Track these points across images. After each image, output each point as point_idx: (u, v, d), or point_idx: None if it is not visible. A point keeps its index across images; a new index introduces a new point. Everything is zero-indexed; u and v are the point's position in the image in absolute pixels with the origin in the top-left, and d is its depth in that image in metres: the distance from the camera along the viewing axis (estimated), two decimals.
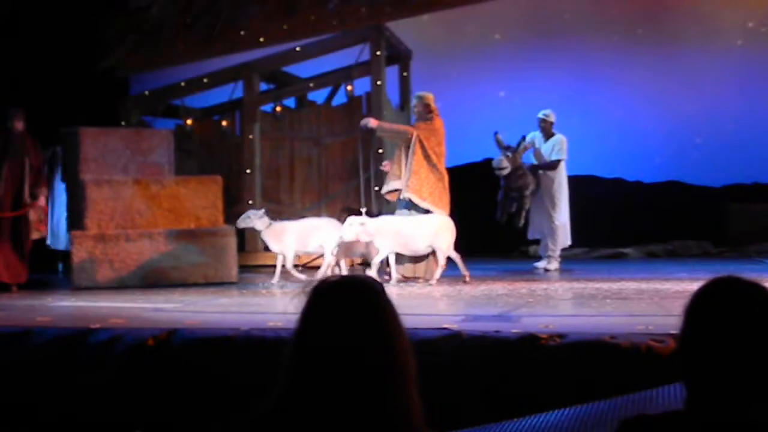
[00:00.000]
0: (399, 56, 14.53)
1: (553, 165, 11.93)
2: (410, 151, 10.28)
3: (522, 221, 11.91)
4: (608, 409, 4.29)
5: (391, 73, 14.26)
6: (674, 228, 14.40)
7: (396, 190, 10.42)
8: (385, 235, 9.86)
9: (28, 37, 12.58)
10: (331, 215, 11.73)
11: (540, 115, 12.11)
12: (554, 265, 11.95)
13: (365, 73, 13.69)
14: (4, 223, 10.26)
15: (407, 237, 9.96)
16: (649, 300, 8.06)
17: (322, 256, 10.50)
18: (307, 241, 10.38)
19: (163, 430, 5.81)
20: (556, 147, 11.97)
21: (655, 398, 4.24)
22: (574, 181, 14.05)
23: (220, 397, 5.76)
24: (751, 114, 14.76)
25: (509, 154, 11.56)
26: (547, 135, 12.06)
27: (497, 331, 5.90)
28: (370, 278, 2.35)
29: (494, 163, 11.64)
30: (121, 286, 10.15)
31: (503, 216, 11.86)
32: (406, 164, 10.28)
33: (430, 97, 10.72)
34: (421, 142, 10.24)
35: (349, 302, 2.24)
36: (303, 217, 11.58)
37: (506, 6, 14.44)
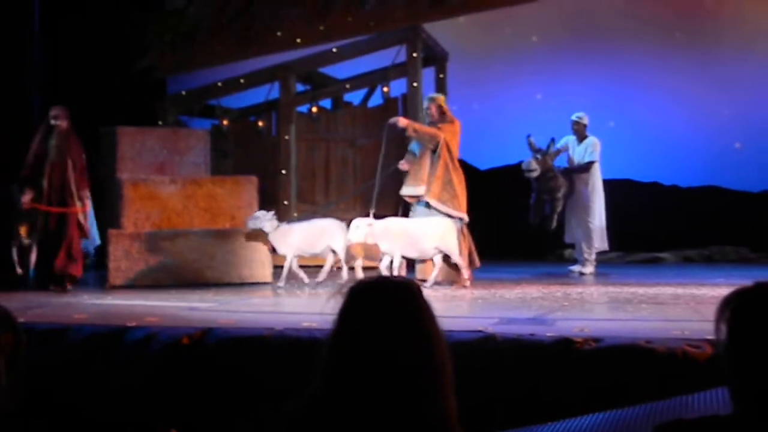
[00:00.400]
0: (435, 58, 14.51)
1: (586, 167, 11.88)
2: (436, 154, 10.16)
3: (554, 224, 11.86)
4: (643, 415, 4.26)
5: (428, 74, 14.25)
6: (711, 233, 14.28)
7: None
8: (392, 237, 9.73)
9: (67, 38, 12.68)
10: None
11: (573, 117, 12.06)
12: (589, 269, 11.89)
13: (401, 74, 13.69)
14: (51, 220, 10.08)
15: (414, 239, 9.83)
16: (686, 305, 8.01)
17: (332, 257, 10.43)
18: (315, 242, 10.27)
19: (198, 429, 5.83)
20: (589, 149, 11.92)
21: (692, 404, 4.20)
22: (610, 185, 13.96)
23: (253, 396, 5.77)
24: None
25: (539, 156, 11.54)
26: (581, 137, 12.01)
27: (532, 335, 5.88)
28: (408, 279, 2.34)
29: (523, 165, 11.62)
30: (156, 284, 10.19)
31: (536, 219, 11.83)
32: (430, 168, 10.17)
33: (442, 98, 10.69)
34: (447, 146, 10.18)
35: (386, 303, 2.23)
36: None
37: (544, 8, 14.38)
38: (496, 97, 14.88)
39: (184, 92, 14.61)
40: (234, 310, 8.10)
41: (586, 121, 12.02)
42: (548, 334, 5.89)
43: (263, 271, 10.63)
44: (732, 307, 2.19)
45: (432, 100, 10.53)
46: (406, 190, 10.42)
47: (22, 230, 10.02)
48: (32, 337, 6.45)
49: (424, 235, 9.84)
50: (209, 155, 11.78)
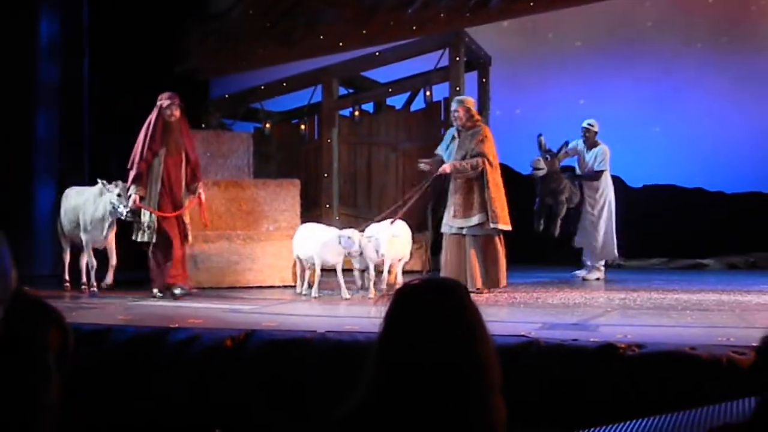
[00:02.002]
0: (478, 62, 14.49)
1: (596, 176, 11.87)
2: (484, 179, 9.79)
3: (558, 230, 11.84)
4: (688, 421, 4.23)
5: (470, 79, 14.22)
6: (756, 239, 14.14)
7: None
8: (386, 244, 9.38)
9: (111, 42, 12.78)
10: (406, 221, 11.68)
11: (584, 124, 12.01)
12: (594, 275, 11.87)
13: (444, 78, 13.68)
14: (171, 224, 9.47)
15: (403, 244, 9.73)
16: (730, 312, 7.95)
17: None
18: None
19: (241, 430, 5.86)
20: (599, 158, 11.89)
21: (736, 411, 4.17)
22: (654, 191, 13.93)
23: (296, 399, 5.79)
24: None
25: (548, 157, 11.57)
26: (591, 145, 11.96)
27: (575, 340, 5.86)
28: (455, 281, 2.35)
29: (532, 162, 11.64)
30: (199, 286, 10.24)
31: (539, 225, 11.80)
32: (480, 193, 9.79)
33: (471, 101, 10.28)
34: (489, 164, 9.82)
35: (434, 305, 2.23)
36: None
37: (587, 13, 14.33)
38: (539, 102, 14.83)
39: (227, 95, 14.68)
40: (276, 312, 8.14)
41: (597, 128, 11.98)
42: (592, 340, 5.87)
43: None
44: None
45: (461, 102, 10.08)
46: (456, 223, 9.89)
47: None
48: (76, 338, 6.51)
49: (406, 240, 9.82)
50: (252, 158, 11.84)
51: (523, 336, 5.99)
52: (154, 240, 9.44)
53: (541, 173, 11.61)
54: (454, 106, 10.09)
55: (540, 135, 11.70)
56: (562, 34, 15.07)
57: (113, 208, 9.37)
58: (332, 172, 13.83)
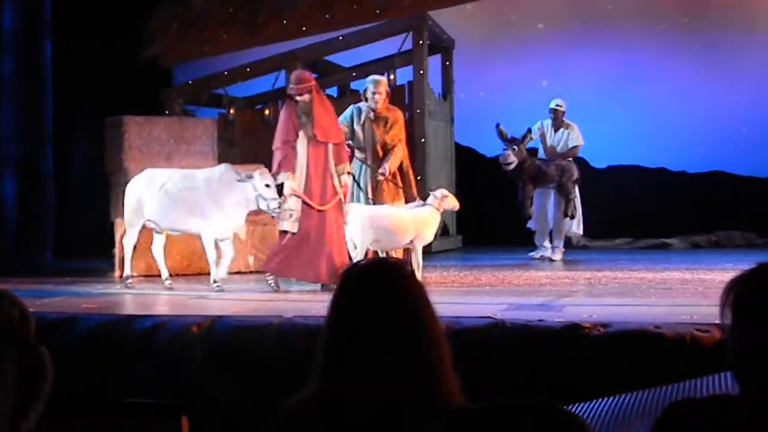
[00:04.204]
0: (441, 46, 14.50)
1: (575, 152, 11.92)
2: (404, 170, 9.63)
3: (574, 210, 11.83)
4: (652, 399, 4.27)
5: (434, 62, 14.24)
6: (718, 218, 14.27)
7: None
8: (360, 226, 8.84)
9: (73, 28, 12.67)
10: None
11: (552, 105, 12.03)
12: (559, 255, 11.90)
13: (407, 62, 13.68)
14: (320, 217, 8.69)
15: (390, 229, 8.95)
16: (694, 290, 8.04)
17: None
18: None
19: (207, 417, 5.85)
20: (572, 135, 11.92)
21: (700, 388, 4.21)
22: (617, 171, 14.00)
23: (263, 384, 5.79)
24: None
25: (515, 147, 11.49)
26: (558, 125, 11.99)
27: (541, 321, 5.90)
28: (400, 261, 2.37)
29: (501, 158, 11.54)
30: None
31: (527, 213, 11.74)
32: (405, 179, 9.58)
33: (385, 81, 9.86)
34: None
35: (378, 284, 2.25)
36: None
37: None
38: (502, 84, 14.86)
39: (190, 81, 14.60)
40: (243, 298, 8.13)
41: (564, 108, 12.01)
42: (557, 320, 5.91)
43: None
44: (735, 291, 2.21)
45: (380, 83, 9.51)
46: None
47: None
48: (41, 326, 6.47)
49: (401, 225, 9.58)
50: (216, 144, 11.78)
51: (488, 317, 6.02)
52: (296, 230, 8.62)
53: (512, 167, 11.51)
54: (372, 87, 9.49)
55: (498, 125, 11.56)
56: (525, 16, 15.11)
57: (261, 199, 8.47)
58: None
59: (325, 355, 2.23)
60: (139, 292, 8.75)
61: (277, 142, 8.82)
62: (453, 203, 9.28)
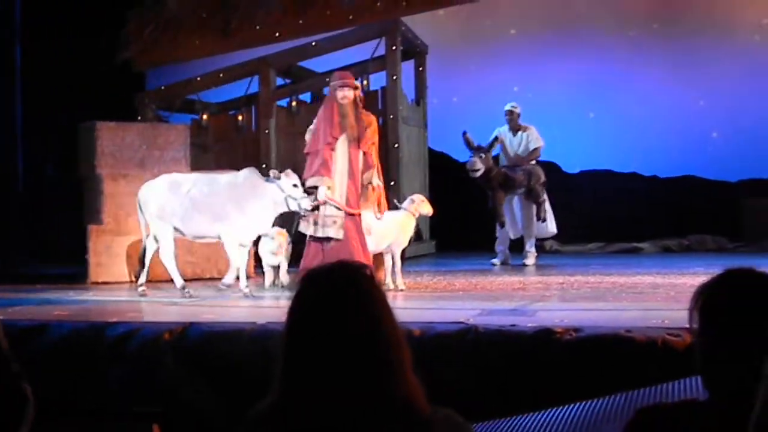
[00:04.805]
0: (415, 51, 14.52)
1: (537, 153, 11.95)
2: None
3: (545, 214, 11.85)
4: (624, 403, 4.30)
5: (407, 68, 14.25)
6: (690, 223, 14.36)
7: None
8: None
9: (45, 32, 12.63)
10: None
11: (508, 107, 12.01)
12: (532, 260, 11.94)
13: (381, 67, 13.69)
14: (353, 223, 8.59)
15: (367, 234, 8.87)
16: (665, 294, 8.08)
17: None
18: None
19: (179, 424, 5.84)
20: (532, 136, 11.93)
21: (671, 392, 4.25)
22: (590, 176, 14.05)
23: (236, 390, 5.78)
24: (767, 108, 14.70)
25: (482, 155, 11.49)
26: (516, 128, 12.01)
27: (513, 325, 5.92)
28: (359, 265, 2.36)
29: (468, 165, 11.51)
30: (137, 280, 10.18)
31: (501, 218, 11.74)
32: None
33: (359, 87, 9.69)
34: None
35: (338, 287, 2.24)
36: None
37: (522, 1, 14.42)
38: (475, 90, 14.90)
39: (163, 87, 14.56)
40: (215, 304, 8.12)
41: (519, 110, 12.03)
42: (529, 325, 5.93)
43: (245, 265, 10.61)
44: (704, 296, 2.23)
45: (356, 88, 9.31)
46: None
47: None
48: (12, 334, 6.44)
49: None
50: (189, 150, 11.74)
51: (461, 322, 6.04)
52: (341, 236, 8.50)
53: (479, 173, 11.50)
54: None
55: (465, 132, 11.52)
56: (498, 22, 15.15)
57: (291, 200, 8.34)
58: (270, 163, 13.75)
59: (285, 360, 2.22)
60: (111, 299, 8.72)
61: (317, 144, 8.61)
62: (428, 209, 9.31)
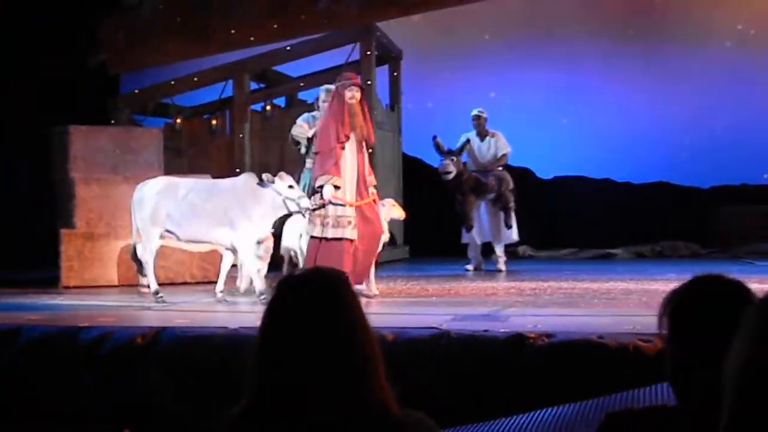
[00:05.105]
0: (389, 56, 14.54)
1: (504, 160, 11.96)
2: None
3: (512, 221, 11.88)
4: (595, 409, 4.32)
5: (381, 73, 14.28)
6: (663, 229, 14.45)
7: None
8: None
9: (17, 34, 12.56)
10: None
11: (476, 112, 12.01)
12: (504, 264, 11.98)
13: (355, 72, 13.69)
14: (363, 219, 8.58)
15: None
16: (638, 300, 8.11)
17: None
18: None
19: (151, 428, 5.82)
20: (500, 142, 11.96)
21: (642, 397, 4.26)
22: (564, 182, 14.11)
23: (208, 395, 5.76)
24: (740, 115, 14.81)
25: (453, 158, 11.51)
26: (483, 133, 12.04)
27: (486, 331, 5.93)
28: (335, 272, 2.36)
29: (440, 168, 11.51)
30: (109, 284, 10.14)
31: (470, 222, 11.75)
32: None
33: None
34: None
35: (312, 294, 2.25)
36: None
37: (497, 6, 14.46)
38: (450, 96, 14.93)
39: (137, 91, 14.52)
40: (188, 309, 8.09)
41: (486, 115, 12.06)
42: (502, 330, 5.94)
43: (217, 270, 10.58)
44: (673, 303, 2.25)
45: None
46: None
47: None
48: None
49: None
50: (162, 154, 11.71)
51: (434, 328, 6.05)
52: (356, 237, 8.48)
53: (450, 176, 11.52)
54: (325, 96, 9.35)
55: (435, 137, 11.53)
56: (472, 27, 15.19)
57: (290, 201, 8.31)
58: (244, 167, 13.74)
59: (258, 365, 2.23)
60: (84, 303, 8.67)
61: (329, 142, 8.50)
62: (399, 213, 9.31)
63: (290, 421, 2.15)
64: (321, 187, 8.45)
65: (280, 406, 2.16)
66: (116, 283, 10.22)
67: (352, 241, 8.46)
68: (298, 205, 8.28)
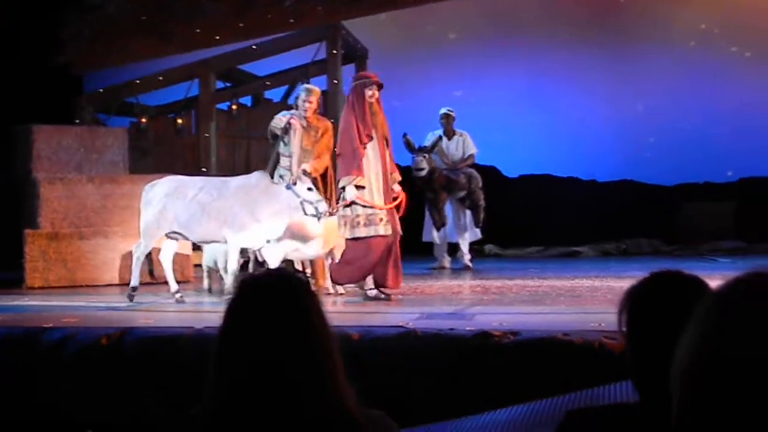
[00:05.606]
0: (355, 55, 14.54)
1: (472, 159, 12.02)
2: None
3: (481, 219, 11.90)
4: (560, 406, 4.33)
5: (348, 72, 14.25)
6: (628, 226, 14.53)
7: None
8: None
9: None
10: None
11: (445, 110, 12.07)
12: (470, 262, 12.03)
13: (321, 71, 13.69)
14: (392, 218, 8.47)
15: (308, 239, 8.77)
16: (602, 297, 8.15)
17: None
18: None
19: (116, 430, 5.78)
20: (468, 142, 12.00)
21: (607, 394, 4.28)
22: (529, 180, 14.15)
23: (174, 396, 5.74)
24: (703, 114, 14.94)
25: (425, 155, 11.54)
26: (451, 132, 12.06)
27: (452, 329, 5.94)
28: (294, 271, 2.37)
29: (413, 165, 11.53)
30: (74, 285, 10.07)
31: (442, 221, 11.78)
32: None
33: (318, 91, 9.58)
34: None
35: (271, 294, 2.25)
36: None
37: (462, 5, 14.49)
38: (416, 94, 14.95)
39: (101, 90, 14.43)
40: (153, 309, 8.05)
41: (455, 114, 12.09)
42: (468, 328, 5.95)
43: (183, 269, 10.55)
44: (631, 299, 2.26)
45: (311, 92, 9.32)
46: None
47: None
48: None
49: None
50: (127, 153, 11.66)
51: (400, 326, 6.05)
52: (390, 232, 8.35)
53: (423, 173, 11.54)
54: (303, 95, 9.28)
55: (405, 134, 11.53)
56: (438, 26, 15.23)
57: (307, 204, 8.16)
58: (210, 167, 13.72)
59: (218, 365, 2.22)
60: (48, 304, 8.61)
61: (352, 142, 8.35)
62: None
63: (248, 421, 2.14)
64: (344, 188, 8.35)
65: (238, 406, 2.16)
66: (81, 284, 10.15)
67: (385, 237, 8.34)
68: (316, 209, 8.15)
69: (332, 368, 2.21)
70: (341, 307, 8.07)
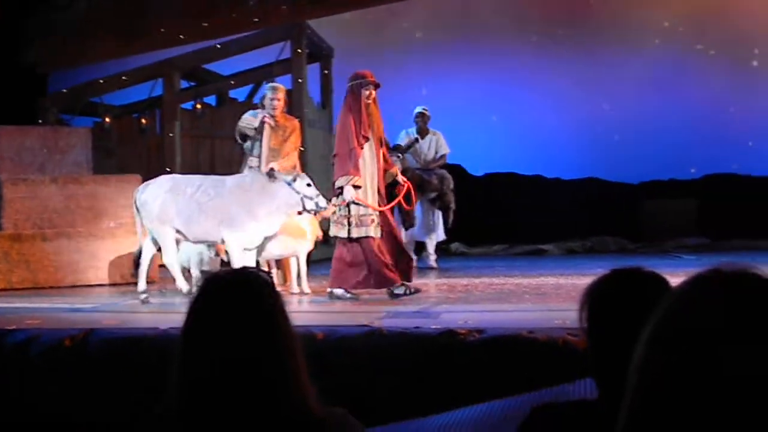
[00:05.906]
0: (320, 54, 14.53)
1: (444, 160, 12.05)
2: None
3: (450, 221, 11.92)
4: (526, 403, 4.34)
5: (312, 71, 14.26)
6: (592, 224, 14.61)
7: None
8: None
9: None
10: None
11: (420, 109, 12.09)
12: (435, 262, 12.09)
13: (286, 70, 13.67)
14: (384, 218, 8.48)
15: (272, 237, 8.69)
16: (567, 295, 8.19)
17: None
18: None
19: (82, 430, 5.75)
20: (441, 142, 12.04)
21: (571, 391, 4.30)
22: (495, 178, 14.19)
23: (138, 397, 5.71)
24: (668, 111, 15.03)
25: (399, 155, 11.54)
26: (425, 131, 12.10)
27: (417, 328, 5.94)
28: (258, 272, 2.36)
29: None
30: (37, 286, 10.00)
31: (412, 222, 11.78)
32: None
33: (283, 89, 9.49)
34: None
35: (235, 293, 2.25)
36: None
37: (428, 5, 14.53)
38: (382, 93, 14.86)
39: (65, 90, 14.33)
40: (117, 310, 8.02)
41: (430, 114, 12.12)
42: (433, 327, 5.96)
43: (148, 270, 10.50)
44: (591, 296, 2.28)
45: (277, 90, 9.24)
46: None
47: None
48: None
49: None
50: (91, 154, 11.58)
51: (365, 325, 6.05)
52: (379, 235, 8.33)
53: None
54: (270, 93, 9.19)
55: None
56: (403, 25, 15.24)
57: (307, 200, 8.11)
58: (175, 166, 13.65)
59: (180, 363, 2.22)
60: (10, 306, 8.54)
61: (348, 143, 8.34)
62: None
63: (210, 420, 2.14)
64: (341, 188, 8.32)
65: (200, 404, 2.15)
66: (44, 285, 10.08)
67: (375, 239, 8.31)
68: (316, 204, 8.13)
69: (295, 367, 2.21)
70: (307, 307, 8.07)
